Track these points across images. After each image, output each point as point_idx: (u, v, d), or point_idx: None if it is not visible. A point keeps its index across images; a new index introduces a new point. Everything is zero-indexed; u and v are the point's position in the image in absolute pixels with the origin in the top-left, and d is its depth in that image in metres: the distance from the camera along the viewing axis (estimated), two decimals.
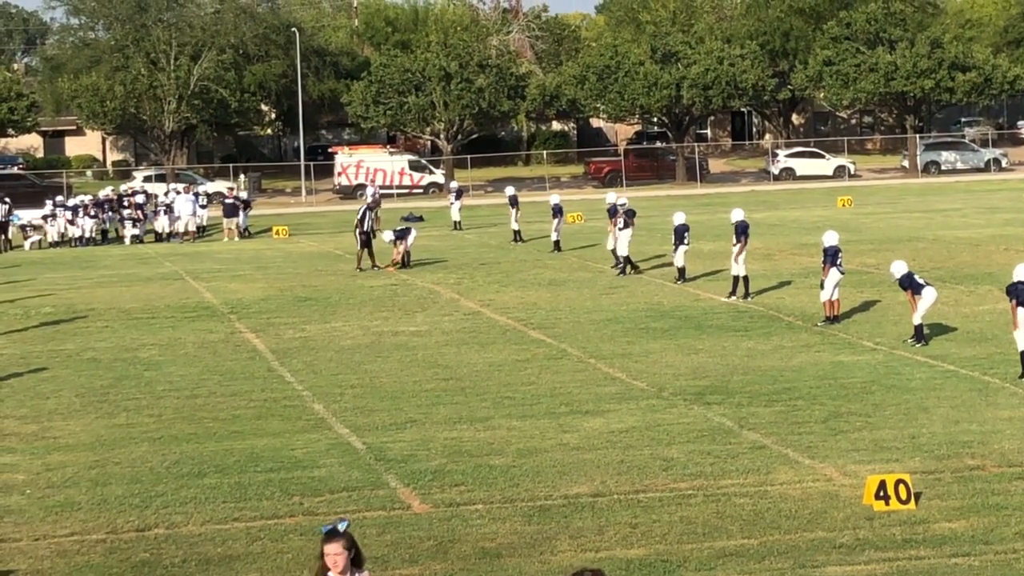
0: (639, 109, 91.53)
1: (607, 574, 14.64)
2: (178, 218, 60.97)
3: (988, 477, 18.05)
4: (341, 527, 10.01)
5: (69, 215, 60.13)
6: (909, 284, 27.48)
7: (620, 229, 40.41)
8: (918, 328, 27.54)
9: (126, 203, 61.59)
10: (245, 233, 60.48)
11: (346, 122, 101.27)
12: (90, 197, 63.84)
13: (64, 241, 59.87)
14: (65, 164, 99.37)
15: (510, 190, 55.64)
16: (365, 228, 43.57)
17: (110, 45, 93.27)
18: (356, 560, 10.06)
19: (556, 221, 47.77)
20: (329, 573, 9.99)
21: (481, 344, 29.14)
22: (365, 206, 44.70)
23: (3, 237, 57.36)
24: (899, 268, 27.80)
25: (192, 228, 60.41)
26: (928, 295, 27.35)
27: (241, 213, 60.67)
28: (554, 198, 49.50)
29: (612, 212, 41.22)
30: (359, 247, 43.87)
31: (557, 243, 47.93)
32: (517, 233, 52.15)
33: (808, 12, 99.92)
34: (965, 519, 16.38)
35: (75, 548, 16.26)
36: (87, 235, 59.95)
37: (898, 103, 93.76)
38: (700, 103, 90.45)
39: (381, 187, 76.33)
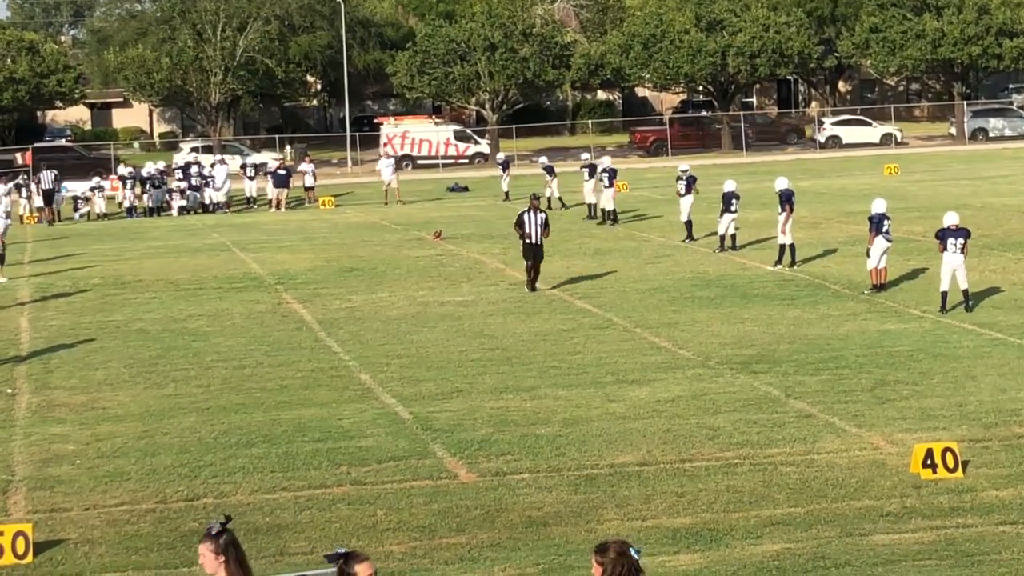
0: (684, 78, 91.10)
1: (654, 543, 14.73)
2: (218, 189, 60.93)
3: None
4: (214, 529, 9.11)
5: (135, 185, 60.08)
6: (943, 236, 27.31)
7: (682, 195, 40.72)
8: (964, 292, 27.37)
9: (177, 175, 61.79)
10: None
11: (391, 93, 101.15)
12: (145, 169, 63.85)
13: (151, 210, 59.51)
14: (112, 136, 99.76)
15: (543, 160, 56.18)
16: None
17: (156, 17, 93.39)
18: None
19: (610, 190, 47.07)
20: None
21: (527, 314, 29.18)
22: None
23: (50, 208, 57.20)
24: (951, 218, 27.52)
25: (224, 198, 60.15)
26: (950, 259, 27.23)
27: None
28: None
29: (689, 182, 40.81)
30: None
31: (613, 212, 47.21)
32: (560, 200, 52.09)
33: None
34: (1013, 487, 16.34)
35: (125, 517, 16.41)
36: (130, 205, 59.88)
37: (945, 70, 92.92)
38: (746, 71, 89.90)
39: (428, 157, 76.09)
